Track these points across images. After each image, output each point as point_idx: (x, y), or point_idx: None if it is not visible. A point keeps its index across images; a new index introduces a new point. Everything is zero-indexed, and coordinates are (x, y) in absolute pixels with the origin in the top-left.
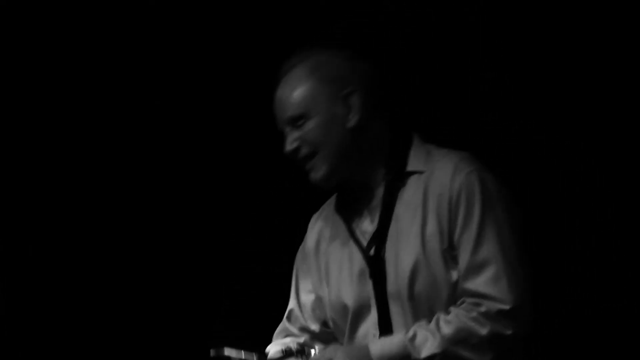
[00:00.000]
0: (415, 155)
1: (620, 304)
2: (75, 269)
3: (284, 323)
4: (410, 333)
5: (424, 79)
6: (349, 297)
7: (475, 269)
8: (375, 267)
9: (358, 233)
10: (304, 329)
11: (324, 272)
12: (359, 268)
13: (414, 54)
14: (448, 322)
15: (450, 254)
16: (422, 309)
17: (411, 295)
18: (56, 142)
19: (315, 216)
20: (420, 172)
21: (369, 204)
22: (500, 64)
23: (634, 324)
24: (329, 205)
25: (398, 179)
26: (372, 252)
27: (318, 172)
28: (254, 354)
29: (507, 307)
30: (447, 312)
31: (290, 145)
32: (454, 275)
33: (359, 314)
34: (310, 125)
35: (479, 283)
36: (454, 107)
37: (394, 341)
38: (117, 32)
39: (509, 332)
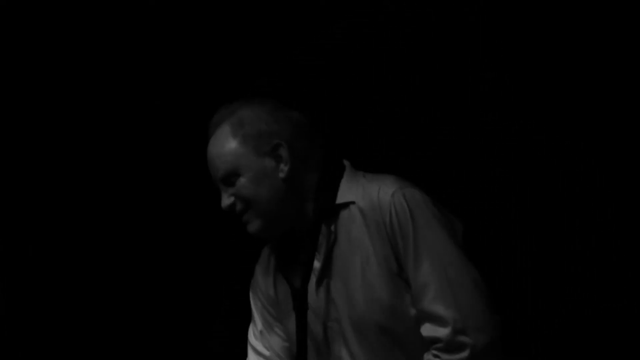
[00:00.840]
0: (345, 186)
1: (620, 304)
2: (74, 268)
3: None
4: None
5: (423, 79)
6: (290, 333)
7: (420, 289)
8: (297, 300)
9: (292, 274)
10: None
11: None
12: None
13: (413, 53)
14: None
15: (401, 276)
16: (378, 336)
17: (364, 325)
18: (55, 142)
19: (263, 252)
20: (352, 203)
21: (302, 242)
22: (499, 64)
23: (634, 324)
24: (266, 258)
25: (328, 213)
26: (297, 285)
27: (253, 225)
28: None
29: (454, 325)
30: None
31: (225, 201)
32: (408, 297)
33: (319, 350)
34: (242, 181)
35: (427, 302)
36: (453, 107)
37: None
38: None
39: (465, 353)
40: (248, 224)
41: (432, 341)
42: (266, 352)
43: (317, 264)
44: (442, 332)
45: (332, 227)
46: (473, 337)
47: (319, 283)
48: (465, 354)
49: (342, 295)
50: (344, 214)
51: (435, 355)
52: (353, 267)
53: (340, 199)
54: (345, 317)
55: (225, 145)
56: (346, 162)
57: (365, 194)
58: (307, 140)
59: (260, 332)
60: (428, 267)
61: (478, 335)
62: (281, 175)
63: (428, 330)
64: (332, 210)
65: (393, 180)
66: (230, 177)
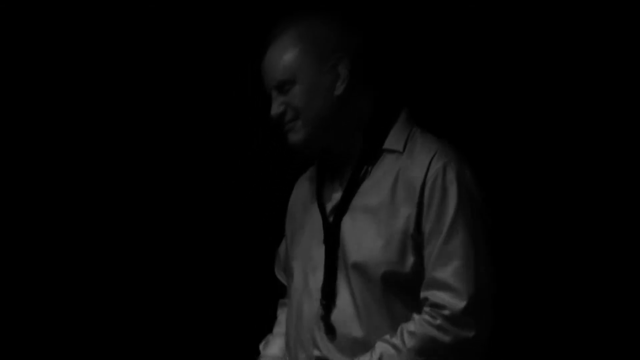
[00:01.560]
0: (396, 134)
1: (620, 304)
2: (74, 268)
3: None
4: (377, 354)
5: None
6: (301, 260)
7: (444, 258)
8: (330, 234)
9: (326, 200)
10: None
11: (292, 234)
12: (319, 234)
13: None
14: (412, 334)
15: (414, 239)
16: (371, 286)
17: (363, 270)
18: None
19: (300, 179)
20: (397, 152)
21: (342, 175)
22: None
23: (634, 324)
24: (311, 172)
25: (373, 155)
26: (331, 219)
27: (296, 135)
28: None
29: (468, 302)
30: (411, 320)
31: (276, 109)
32: (410, 260)
33: (306, 278)
34: (296, 90)
35: (448, 273)
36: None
37: None
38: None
39: (471, 334)
40: (290, 132)
41: (437, 306)
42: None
43: (337, 197)
44: (455, 304)
45: (370, 168)
46: (478, 323)
47: (331, 213)
48: (469, 333)
49: (351, 235)
50: (385, 158)
51: (436, 317)
52: (371, 212)
53: (388, 144)
54: (345, 252)
55: (287, 51)
56: (404, 110)
57: (416, 151)
58: (368, 67)
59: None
60: (459, 242)
61: (482, 324)
62: (337, 92)
63: (438, 297)
64: (376, 153)
65: (452, 151)
66: (285, 85)
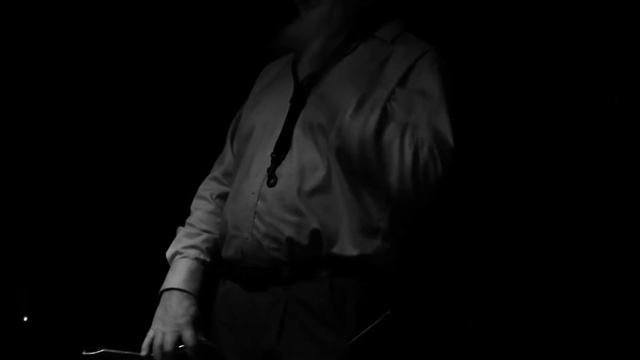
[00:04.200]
0: (388, 28)
1: (620, 304)
2: (73, 267)
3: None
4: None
5: None
6: (262, 116)
7: (433, 113)
8: (298, 94)
9: (300, 68)
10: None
11: (257, 101)
12: (287, 95)
13: None
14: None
15: (387, 100)
16: (324, 148)
17: (322, 132)
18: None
19: (269, 65)
20: (385, 42)
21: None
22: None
23: (634, 324)
24: (281, 60)
25: (360, 37)
26: (304, 82)
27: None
28: (137, 353)
29: (453, 144)
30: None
31: None
32: (373, 120)
33: (262, 135)
34: None
35: (439, 118)
36: None
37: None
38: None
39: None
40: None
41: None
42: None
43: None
44: (446, 142)
45: (355, 45)
46: (441, 158)
47: (305, 79)
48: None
49: (321, 98)
50: (371, 44)
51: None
52: (345, 79)
53: (378, 33)
54: (310, 112)
55: None
56: (400, 16)
57: (407, 44)
58: None
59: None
60: (444, 115)
61: (444, 160)
62: None
63: (430, 134)
64: (365, 37)
65: (444, 56)
66: None
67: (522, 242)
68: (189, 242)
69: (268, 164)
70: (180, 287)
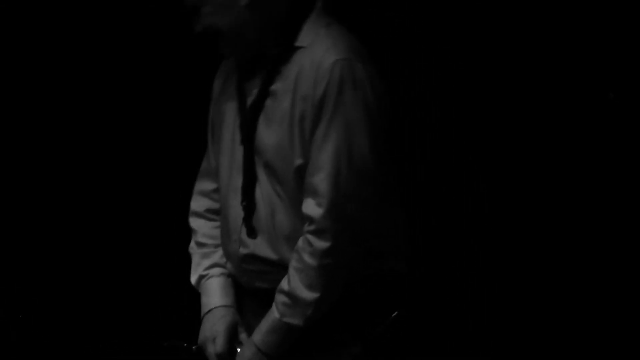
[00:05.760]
0: (308, 29)
1: (620, 304)
2: (73, 267)
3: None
4: (277, 308)
5: None
6: (227, 157)
7: (315, 164)
8: (245, 135)
9: (247, 93)
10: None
11: (217, 125)
12: (238, 132)
13: None
14: (298, 271)
15: (308, 139)
16: (285, 187)
17: (274, 170)
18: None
19: (223, 66)
20: (303, 48)
21: (260, 75)
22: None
23: (634, 324)
24: (231, 63)
25: (284, 53)
26: (247, 120)
27: (222, 50)
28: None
29: (328, 207)
30: (295, 252)
31: (197, 28)
32: (298, 161)
33: (231, 176)
34: (206, 10)
35: (316, 180)
36: None
37: (268, 321)
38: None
39: (328, 244)
40: (219, 48)
41: (308, 219)
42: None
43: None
44: (317, 211)
45: (282, 67)
46: (337, 231)
47: (253, 118)
48: (326, 243)
49: (264, 135)
50: (296, 56)
51: (305, 241)
52: (281, 112)
53: (299, 41)
54: (263, 156)
55: None
56: (319, 3)
57: (314, 47)
58: None
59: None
60: (332, 149)
61: (341, 234)
62: (242, 2)
63: (307, 206)
64: (288, 51)
65: (346, 46)
66: (197, 5)
67: (522, 242)
68: (208, 262)
69: (239, 209)
70: (218, 305)
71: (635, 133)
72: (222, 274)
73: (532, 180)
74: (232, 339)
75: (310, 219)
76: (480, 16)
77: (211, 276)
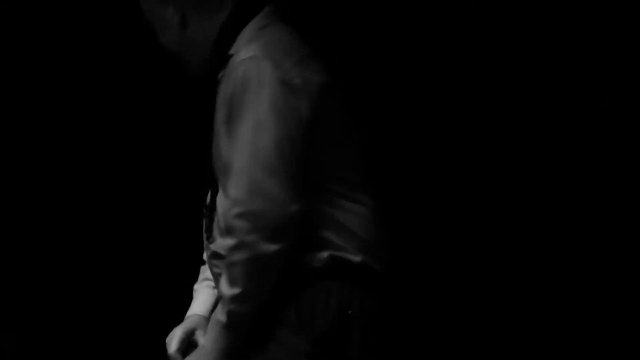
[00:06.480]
0: (243, 34)
1: (620, 304)
2: (73, 267)
3: None
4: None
5: None
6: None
7: (224, 167)
8: (204, 152)
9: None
10: None
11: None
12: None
13: None
14: (223, 269)
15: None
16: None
17: (220, 180)
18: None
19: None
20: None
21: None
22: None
23: (634, 324)
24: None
25: (222, 64)
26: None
27: (185, 70)
28: None
29: (235, 208)
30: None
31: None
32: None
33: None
34: (156, 29)
35: (225, 178)
36: None
37: (210, 327)
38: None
39: (233, 241)
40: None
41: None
42: None
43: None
44: (226, 209)
45: (220, 75)
46: (241, 226)
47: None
48: (231, 241)
49: (214, 151)
50: (229, 63)
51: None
52: (216, 122)
53: (233, 49)
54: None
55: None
56: (268, 8)
57: (240, 51)
58: None
59: None
60: (237, 147)
61: (250, 232)
62: (175, 22)
63: (218, 205)
64: (225, 61)
65: (258, 45)
66: (151, 27)
67: (522, 242)
68: (202, 276)
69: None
70: (191, 313)
71: (632, 134)
72: (207, 286)
73: (532, 180)
74: (185, 342)
75: (220, 217)
76: (479, 17)
77: (198, 289)
